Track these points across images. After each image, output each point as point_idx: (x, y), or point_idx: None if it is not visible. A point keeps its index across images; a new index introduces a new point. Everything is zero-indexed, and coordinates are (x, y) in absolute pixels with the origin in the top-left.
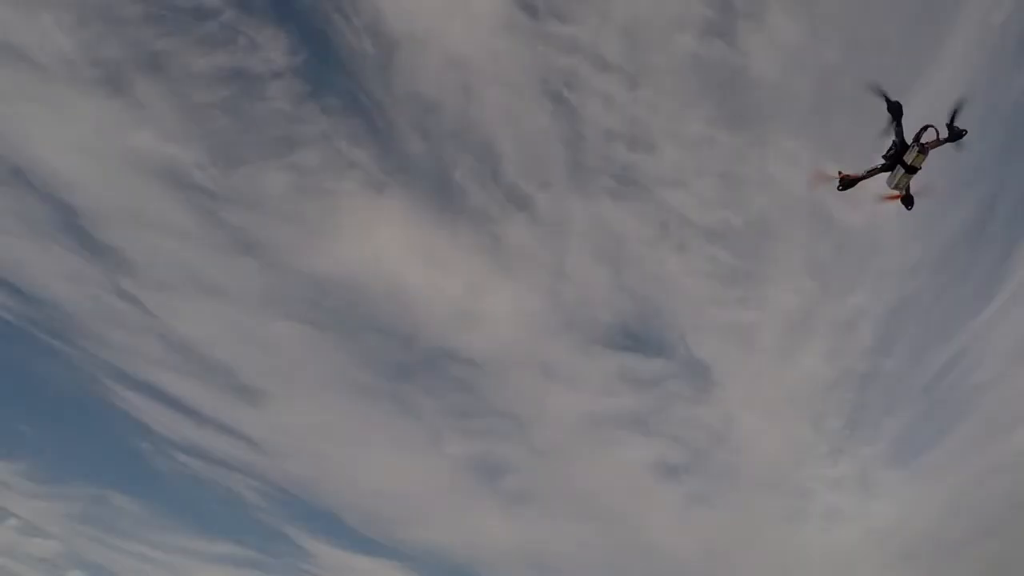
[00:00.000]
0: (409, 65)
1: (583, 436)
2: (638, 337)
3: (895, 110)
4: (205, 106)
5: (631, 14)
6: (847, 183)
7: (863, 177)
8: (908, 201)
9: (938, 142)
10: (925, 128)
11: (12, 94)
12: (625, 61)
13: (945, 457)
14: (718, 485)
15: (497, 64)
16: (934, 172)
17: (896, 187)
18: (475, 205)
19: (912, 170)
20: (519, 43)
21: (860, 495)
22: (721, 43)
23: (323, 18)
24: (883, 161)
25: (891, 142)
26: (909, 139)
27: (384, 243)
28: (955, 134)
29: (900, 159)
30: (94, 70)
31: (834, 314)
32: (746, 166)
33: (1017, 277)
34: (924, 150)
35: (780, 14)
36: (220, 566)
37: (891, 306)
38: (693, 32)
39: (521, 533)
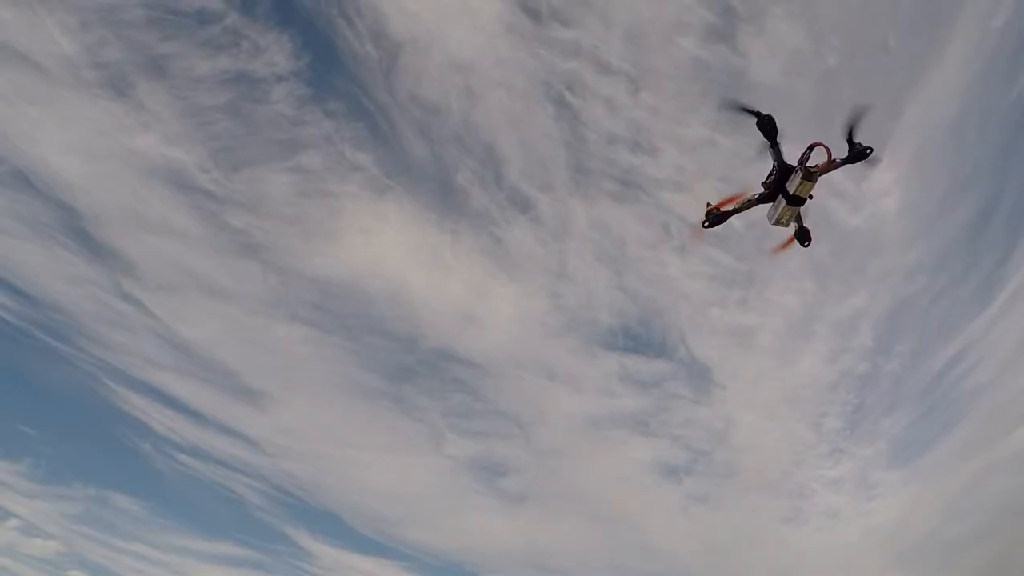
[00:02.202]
0: (412, 69)
1: (584, 437)
2: (639, 338)
3: (767, 127)
4: (208, 109)
5: (633, 18)
6: (714, 219)
7: (737, 210)
8: (803, 237)
9: (832, 164)
10: (812, 147)
11: (15, 97)
12: (627, 65)
13: (945, 457)
14: (718, 485)
15: (499, 68)
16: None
17: (778, 221)
18: (477, 208)
19: (797, 201)
20: (521, 47)
21: (860, 495)
22: (722, 47)
23: (326, 22)
24: (762, 189)
25: (771, 166)
26: (793, 161)
27: (386, 245)
28: (857, 153)
29: (782, 187)
30: (97, 73)
31: (834, 315)
32: (746, 169)
33: (1017, 277)
34: (811, 175)
35: (780, 18)
36: (220, 566)
37: (891, 307)
38: (694, 36)
39: (521, 533)
